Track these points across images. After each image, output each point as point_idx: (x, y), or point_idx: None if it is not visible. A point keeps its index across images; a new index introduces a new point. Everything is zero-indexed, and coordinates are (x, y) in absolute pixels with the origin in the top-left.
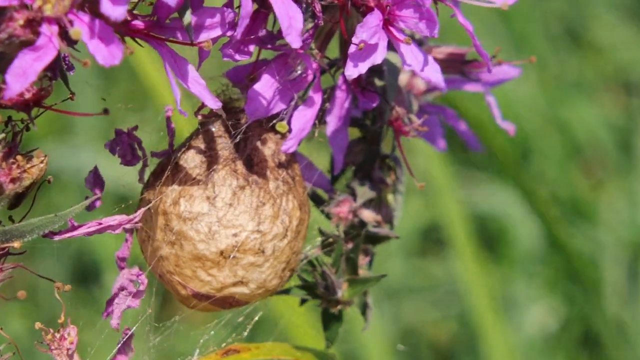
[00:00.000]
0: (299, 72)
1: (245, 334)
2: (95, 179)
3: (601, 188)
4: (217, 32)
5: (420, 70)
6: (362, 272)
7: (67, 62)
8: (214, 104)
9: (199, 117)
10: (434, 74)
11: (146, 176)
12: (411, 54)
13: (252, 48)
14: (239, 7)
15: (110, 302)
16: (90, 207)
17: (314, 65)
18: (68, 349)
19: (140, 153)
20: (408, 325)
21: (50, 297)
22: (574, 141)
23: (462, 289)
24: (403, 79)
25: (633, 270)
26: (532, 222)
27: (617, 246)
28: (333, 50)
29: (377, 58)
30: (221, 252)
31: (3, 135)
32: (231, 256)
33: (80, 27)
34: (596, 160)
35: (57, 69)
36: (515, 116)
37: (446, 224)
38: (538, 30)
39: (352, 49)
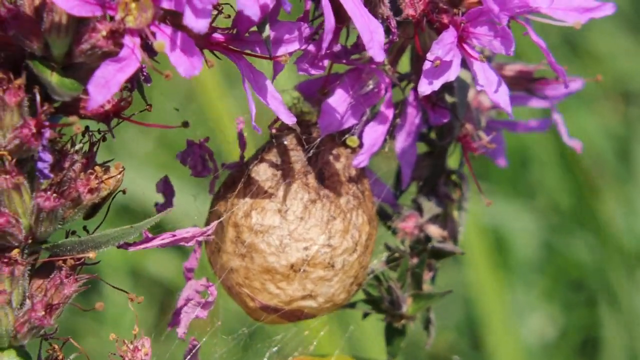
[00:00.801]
0: (371, 86)
1: (312, 348)
2: (166, 187)
3: (600, 196)
4: (295, 46)
5: (492, 91)
6: (426, 287)
7: (144, 73)
8: (289, 119)
9: (273, 131)
10: (503, 97)
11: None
12: (484, 74)
13: (326, 62)
14: (312, 20)
15: (177, 312)
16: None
17: (387, 80)
18: None
19: (211, 164)
20: (411, 341)
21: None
22: (572, 150)
23: (472, 298)
24: (470, 95)
25: (632, 278)
26: (531, 231)
27: (616, 254)
28: (402, 64)
29: (450, 75)
30: (291, 266)
31: (80, 145)
32: (301, 270)
33: (163, 39)
34: (595, 168)
35: (135, 81)
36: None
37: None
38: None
39: (426, 65)
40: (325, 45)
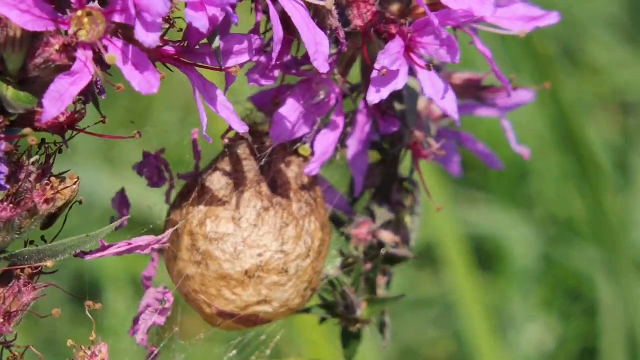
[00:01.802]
0: (322, 96)
1: (268, 352)
2: (122, 200)
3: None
4: (245, 57)
5: (439, 99)
6: (381, 292)
7: (99, 86)
8: (241, 128)
9: (225, 141)
10: (450, 104)
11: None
12: (430, 82)
13: (277, 73)
14: (264, 33)
15: (137, 320)
16: (118, 227)
17: (337, 90)
18: None
19: (167, 175)
20: (405, 344)
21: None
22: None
23: (456, 308)
24: (421, 103)
25: (630, 288)
26: (530, 241)
27: (614, 265)
28: (354, 75)
29: (398, 84)
30: (246, 272)
31: (37, 157)
32: (255, 275)
33: (114, 52)
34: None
35: (89, 93)
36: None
37: (441, 242)
38: (534, 51)
39: (374, 74)
40: (275, 55)
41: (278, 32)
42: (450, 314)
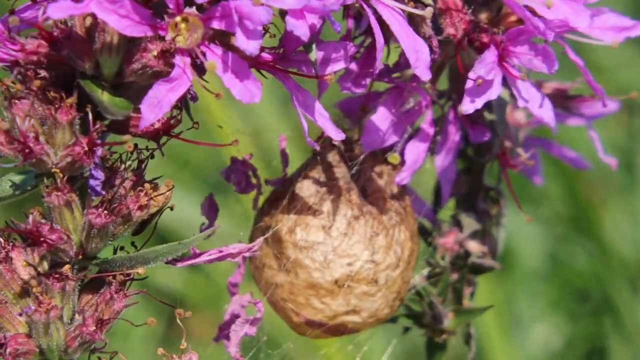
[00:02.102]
0: (412, 104)
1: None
2: (210, 206)
3: (604, 207)
4: (341, 65)
5: (537, 107)
6: (466, 302)
7: (191, 92)
8: (337, 135)
9: (317, 148)
10: (547, 112)
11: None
12: (526, 91)
13: (368, 81)
14: (355, 37)
15: (223, 327)
16: (208, 236)
17: (427, 98)
18: None
19: (254, 181)
20: (412, 344)
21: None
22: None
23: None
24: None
25: (636, 288)
26: (536, 241)
27: (621, 264)
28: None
29: (492, 94)
30: (335, 281)
31: (129, 163)
32: (345, 285)
33: (214, 59)
34: (599, 179)
35: (183, 99)
36: None
37: None
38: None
39: (468, 84)
40: (377, 63)
41: (380, 40)
42: None
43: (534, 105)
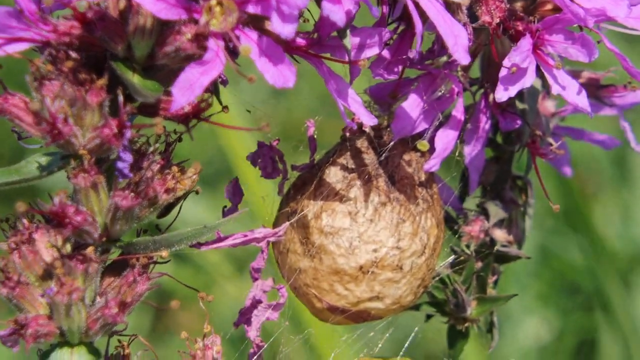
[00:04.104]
0: (443, 91)
1: (377, 349)
2: (235, 189)
3: (595, 200)
4: (375, 51)
5: (572, 94)
6: (490, 290)
7: (223, 76)
8: (370, 120)
9: (346, 133)
10: (582, 100)
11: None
12: (562, 79)
13: (400, 67)
14: (390, 24)
15: (244, 312)
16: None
17: (459, 86)
18: (214, 359)
19: (280, 166)
20: (403, 334)
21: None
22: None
23: None
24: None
25: (626, 282)
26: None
27: (611, 258)
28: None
29: (526, 82)
30: (360, 267)
31: (157, 146)
32: (370, 271)
33: (248, 43)
34: (590, 173)
35: (214, 83)
36: None
37: None
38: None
39: (503, 72)
40: (418, 48)
41: (418, 24)
42: None
43: (569, 93)
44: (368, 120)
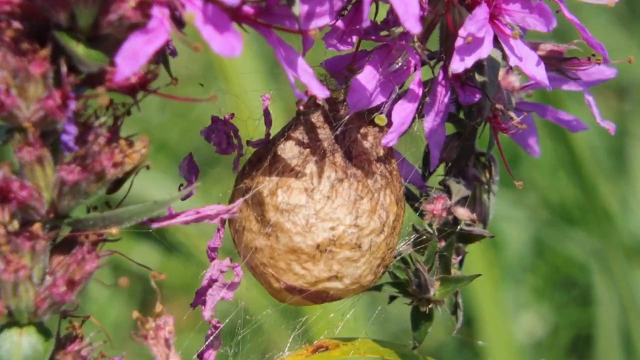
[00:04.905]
0: (400, 64)
1: (337, 331)
2: (190, 167)
3: (596, 192)
4: (326, 20)
5: (529, 66)
6: (454, 271)
7: (170, 46)
8: (322, 92)
9: (300, 107)
10: (540, 72)
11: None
12: (519, 50)
13: (354, 38)
14: None
15: (200, 292)
16: (185, 197)
17: (416, 57)
18: (166, 339)
19: (236, 142)
20: (395, 331)
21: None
22: (565, 146)
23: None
24: (500, 75)
25: (625, 275)
26: (522, 227)
27: (609, 252)
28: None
29: (483, 52)
30: (317, 246)
31: (105, 119)
32: (327, 250)
33: (193, 10)
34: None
35: (161, 53)
36: None
37: None
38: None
39: (458, 42)
40: (365, 16)
41: None
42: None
43: (527, 65)
44: (320, 92)
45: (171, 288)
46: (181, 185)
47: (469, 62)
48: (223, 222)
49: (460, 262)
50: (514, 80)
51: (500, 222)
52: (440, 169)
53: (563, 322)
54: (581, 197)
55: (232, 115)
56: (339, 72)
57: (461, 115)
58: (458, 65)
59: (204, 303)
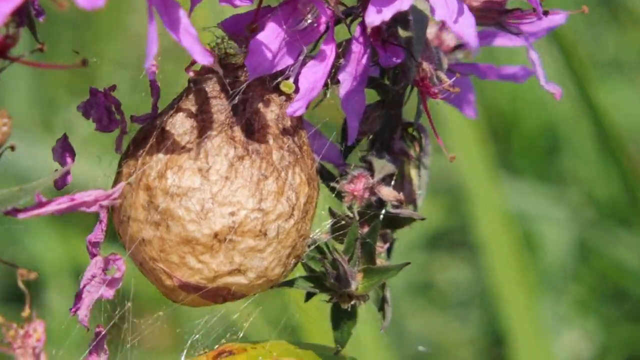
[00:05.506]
0: (310, 21)
1: (241, 334)
2: (65, 148)
3: None
4: None
5: (453, 21)
6: (380, 261)
7: (35, 6)
8: (204, 59)
9: (190, 74)
10: (467, 29)
11: (125, 145)
12: (442, 1)
13: None
14: None
15: (79, 294)
16: (60, 182)
17: (328, 13)
18: (34, 348)
19: (118, 117)
20: (429, 342)
21: None
22: (611, 131)
23: (495, 306)
24: (430, 32)
25: None
26: (562, 228)
27: None
28: None
29: (404, 3)
30: (215, 235)
31: None
32: (227, 239)
33: None
34: (638, 152)
35: (24, 14)
36: (540, 102)
37: (478, 219)
38: None
39: None
40: None
41: None
42: (468, 312)
43: (450, 19)
44: (202, 58)
45: (145, 298)
46: (55, 170)
47: (387, 13)
48: (107, 210)
49: (389, 251)
50: (449, 39)
51: (537, 222)
52: (362, 143)
53: (613, 341)
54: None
55: (114, 87)
56: (239, 33)
57: (385, 81)
58: (374, 17)
59: (80, 305)
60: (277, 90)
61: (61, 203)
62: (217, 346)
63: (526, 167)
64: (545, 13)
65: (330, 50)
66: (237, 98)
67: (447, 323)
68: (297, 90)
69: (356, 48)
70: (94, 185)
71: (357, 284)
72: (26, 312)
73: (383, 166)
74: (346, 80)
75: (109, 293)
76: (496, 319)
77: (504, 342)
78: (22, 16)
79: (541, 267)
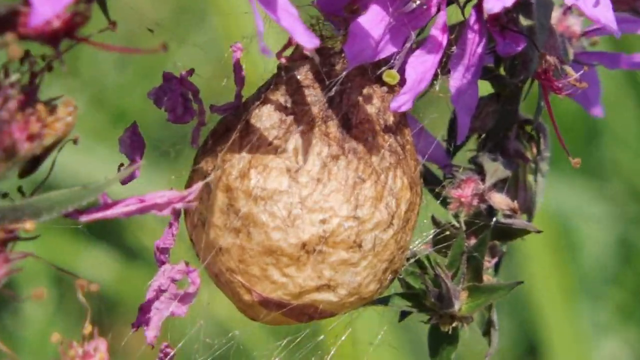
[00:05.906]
0: (418, 2)
1: (329, 357)
2: (133, 140)
3: None
4: None
5: (591, 5)
6: (487, 277)
7: None
8: (309, 41)
9: (282, 60)
10: (605, 13)
11: (202, 138)
12: None
13: None
14: None
15: (145, 307)
16: (126, 180)
17: None
18: None
19: (195, 106)
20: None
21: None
22: None
23: (532, 310)
24: (553, 16)
25: None
26: (603, 225)
27: None
28: None
29: None
30: (303, 245)
31: (18, 75)
32: (316, 250)
33: None
34: None
35: None
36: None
37: None
38: None
39: None
40: None
41: None
42: (502, 316)
43: (586, 3)
44: (306, 40)
45: (133, 305)
46: (121, 165)
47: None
48: (177, 214)
49: (497, 266)
50: (574, 24)
51: (576, 220)
52: (472, 143)
53: None
54: None
55: (192, 71)
56: (336, 14)
57: (501, 71)
58: (494, 4)
59: (147, 322)
60: (379, 81)
61: (129, 205)
62: None
63: (561, 157)
64: None
65: (441, 37)
66: (333, 89)
67: (473, 332)
68: (402, 82)
69: (471, 36)
70: (88, 178)
71: (460, 304)
72: (87, 328)
73: (495, 169)
74: (459, 72)
75: (182, 310)
76: (529, 327)
77: (537, 352)
78: None
79: (579, 269)
